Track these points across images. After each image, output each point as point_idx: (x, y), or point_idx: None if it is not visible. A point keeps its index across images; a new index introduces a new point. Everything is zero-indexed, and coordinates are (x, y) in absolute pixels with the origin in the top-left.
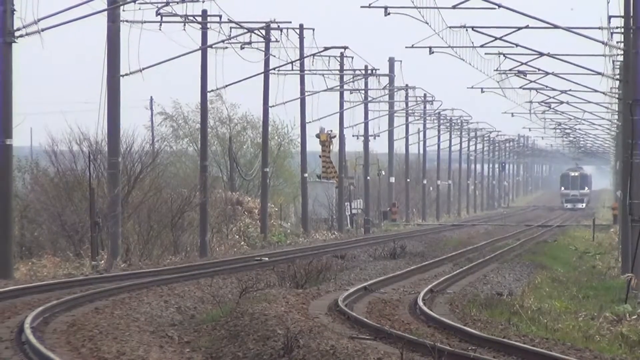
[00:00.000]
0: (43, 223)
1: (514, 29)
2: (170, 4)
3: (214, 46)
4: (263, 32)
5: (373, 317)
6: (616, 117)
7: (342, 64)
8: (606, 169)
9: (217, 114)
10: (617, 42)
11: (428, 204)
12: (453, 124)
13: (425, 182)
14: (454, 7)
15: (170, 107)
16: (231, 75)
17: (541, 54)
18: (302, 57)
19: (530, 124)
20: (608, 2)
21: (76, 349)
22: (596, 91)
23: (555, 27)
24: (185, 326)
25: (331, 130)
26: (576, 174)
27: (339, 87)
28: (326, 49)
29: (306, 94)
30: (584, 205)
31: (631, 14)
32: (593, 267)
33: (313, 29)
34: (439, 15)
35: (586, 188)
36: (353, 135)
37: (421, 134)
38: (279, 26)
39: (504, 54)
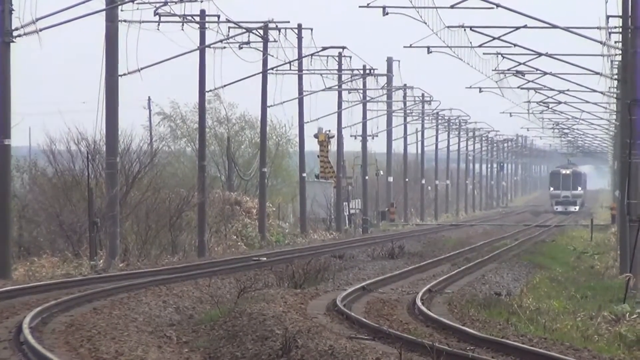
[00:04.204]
0: (41, 223)
1: (512, 29)
2: (169, 3)
3: (212, 46)
4: (261, 32)
5: (371, 317)
6: (614, 116)
7: (340, 64)
8: (604, 169)
9: (215, 113)
10: (615, 42)
11: (426, 204)
12: (451, 124)
13: (423, 182)
14: (452, 6)
15: (168, 107)
16: (229, 75)
17: (539, 54)
18: (300, 57)
19: (529, 123)
20: (606, 2)
21: (75, 349)
22: (594, 91)
23: (554, 26)
24: (183, 326)
25: (329, 130)
26: (568, 171)
27: (337, 87)
28: (324, 48)
29: (304, 93)
30: (577, 208)
31: (629, 14)
32: (591, 267)
33: (311, 29)
34: (437, 15)
35: (579, 188)
36: (351, 135)
37: (419, 133)
38: (277, 26)
39: (502, 54)
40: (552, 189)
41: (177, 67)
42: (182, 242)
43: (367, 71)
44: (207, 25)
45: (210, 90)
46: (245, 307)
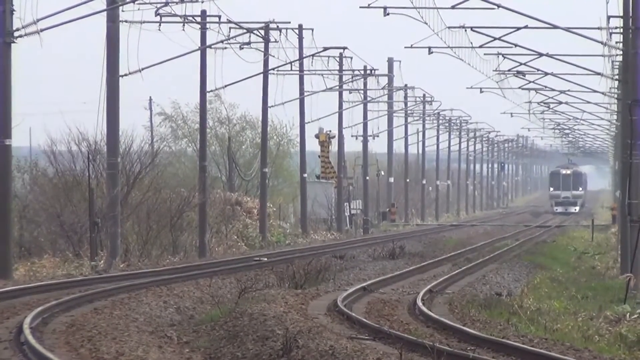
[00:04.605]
0: (42, 223)
1: (513, 29)
2: (170, 4)
3: (213, 46)
4: (262, 32)
5: (372, 317)
6: (615, 117)
7: (341, 64)
8: (605, 169)
9: (216, 114)
10: (616, 43)
11: (427, 204)
12: (452, 124)
13: (424, 182)
14: (453, 7)
15: (169, 108)
16: (230, 75)
17: (540, 54)
18: (301, 57)
19: (529, 124)
20: (607, 3)
21: (75, 350)
22: (595, 91)
23: (555, 27)
24: (184, 326)
25: (330, 131)
26: (568, 172)
27: (338, 88)
28: (325, 49)
29: (305, 94)
30: (578, 209)
31: (630, 14)
32: (592, 267)
33: (312, 29)
34: (438, 16)
35: (580, 189)
36: (352, 136)
37: (420, 134)
38: (278, 26)
39: (503, 54)
40: (552, 189)
41: (178, 68)
42: (183, 242)
43: (368, 71)
44: (208, 25)
45: (212, 91)
46: (246, 307)
